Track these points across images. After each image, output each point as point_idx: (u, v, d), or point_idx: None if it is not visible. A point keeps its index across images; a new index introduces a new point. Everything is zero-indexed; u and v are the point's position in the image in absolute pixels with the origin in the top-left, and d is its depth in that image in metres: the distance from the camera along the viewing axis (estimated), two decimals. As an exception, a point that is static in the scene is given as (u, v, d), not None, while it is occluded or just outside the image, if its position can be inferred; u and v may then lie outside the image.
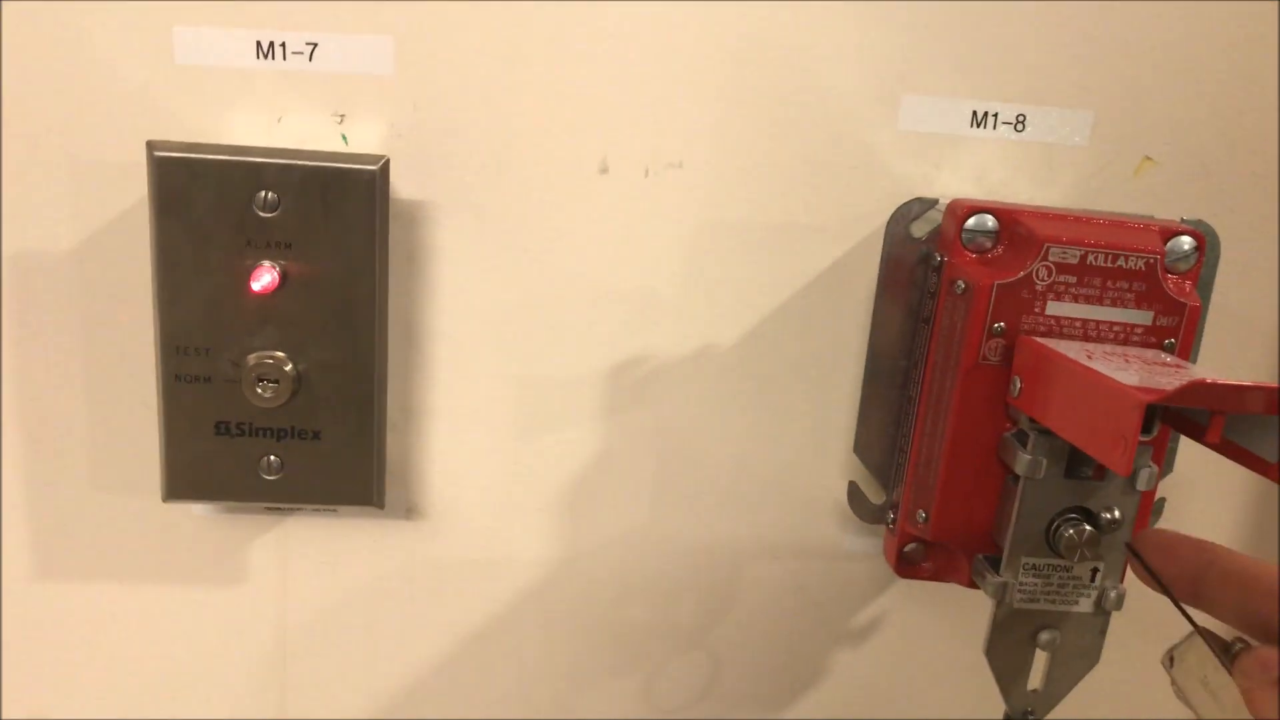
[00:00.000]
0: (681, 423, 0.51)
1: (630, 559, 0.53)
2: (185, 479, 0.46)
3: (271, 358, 0.44)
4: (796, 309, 0.50)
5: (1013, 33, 0.47)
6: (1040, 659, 0.42)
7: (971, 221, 0.42)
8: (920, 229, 0.45)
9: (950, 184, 0.49)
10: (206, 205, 0.43)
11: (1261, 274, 0.51)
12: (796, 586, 0.54)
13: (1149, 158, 0.49)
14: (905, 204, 0.45)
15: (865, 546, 0.53)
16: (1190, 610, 0.36)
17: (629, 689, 0.55)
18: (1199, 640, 0.36)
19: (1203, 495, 0.52)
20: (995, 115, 0.48)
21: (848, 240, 0.49)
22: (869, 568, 0.54)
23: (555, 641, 0.54)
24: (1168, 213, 0.49)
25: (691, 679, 0.56)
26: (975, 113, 0.48)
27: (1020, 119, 0.48)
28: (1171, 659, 0.38)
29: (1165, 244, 0.42)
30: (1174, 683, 0.37)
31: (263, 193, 0.43)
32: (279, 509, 0.51)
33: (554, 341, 0.50)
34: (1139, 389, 0.33)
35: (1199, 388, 0.31)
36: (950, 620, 0.55)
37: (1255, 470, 0.35)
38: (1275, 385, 0.32)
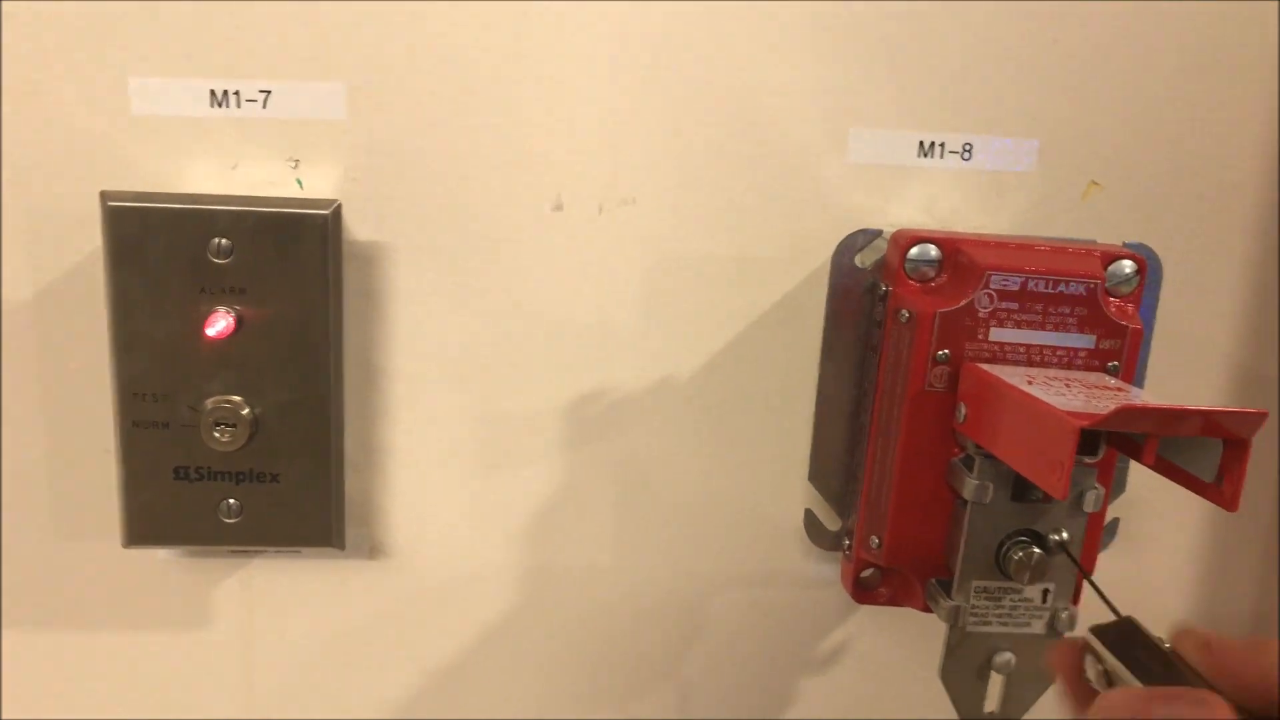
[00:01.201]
0: (642, 455, 0.52)
1: (596, 591, 0.53)
2: (145, 524, 0.46)
3: (228, 402, 0.45)
4: (753, 340, 0.50)
5: (957, 64, 0.48)
6: (996, 681, 0.43)
7: (914, 251, 0.43)
8: (867, 259, 0.46)
9: (901, 214, 0.49)
10: (160, 253, 0.43)
11: (1208, 295, 0.51)
12: (762, 614, 0.54)
13: (1095, 182, 0.50)
14: (850, 235, 0.46)
15: (829, 573, 0.53)
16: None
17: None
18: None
19: (1157, 514, 0.53)
20: (942, 145, 0.49)
21: (800, 271, 0.50)
22: (833, 594, 0.54)
23: (524, 676, 0.54)
24: (1117, 236, 0.50)
25: (661, 709, 0.56)
26: (922, 143, 0.49)
27: (967, 148, 0.49)
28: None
29: (1106, 268, 0.43)
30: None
31: (216, 239, 0.43)
32: (243, 552, 0.51)
33: (513, 377, 0.50)
34: (1073, 414, 0.33)
35: (1130, 412, 0.32)
36: (915, 645, 0.55)
37: (1194, 491, 0.36)
38: (1205, 408, 0.33)
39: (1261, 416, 0.33)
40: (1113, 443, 0.37)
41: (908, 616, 0.50)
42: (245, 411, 0.45)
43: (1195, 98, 0.49)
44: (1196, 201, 0.51)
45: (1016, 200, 0.50)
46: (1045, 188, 0.50)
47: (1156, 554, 0.54)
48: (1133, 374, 0.42)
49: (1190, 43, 0.48)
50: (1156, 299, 0.47)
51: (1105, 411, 0.32)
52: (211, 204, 0.43)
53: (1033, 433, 0.35)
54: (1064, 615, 0.42)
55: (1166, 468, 0.36)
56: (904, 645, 0.55)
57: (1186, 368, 0.52)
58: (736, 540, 0.53)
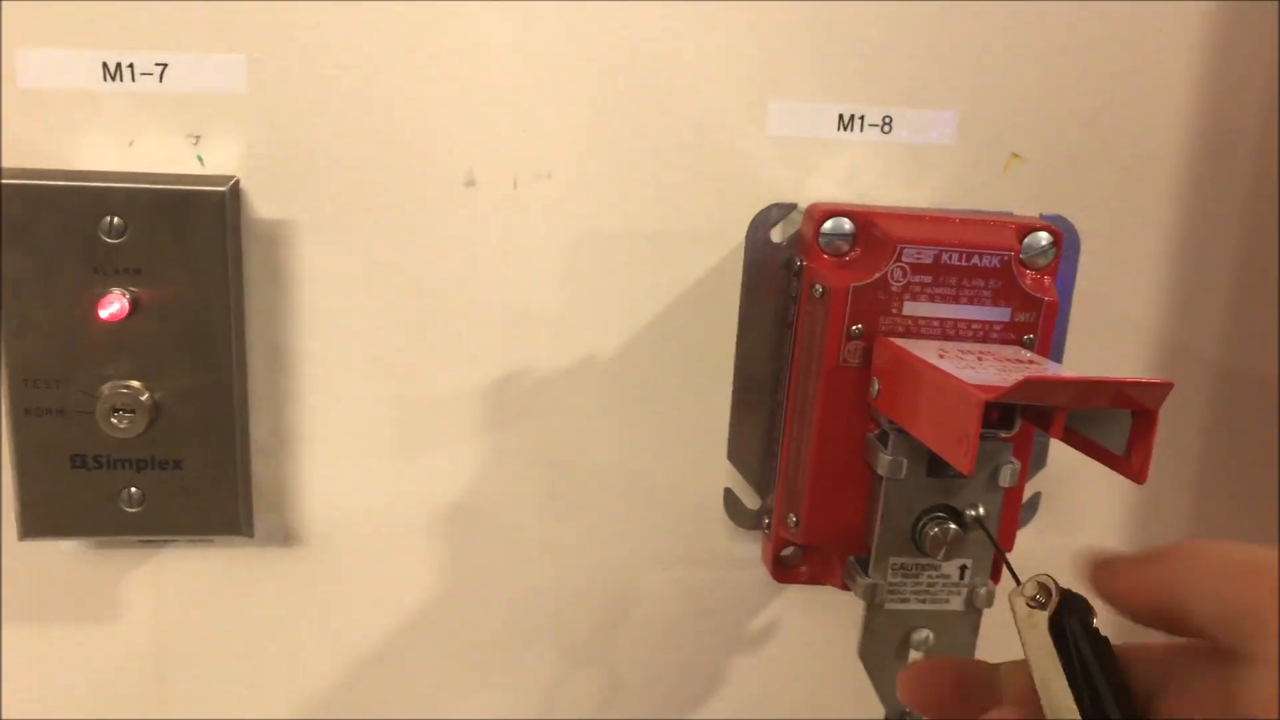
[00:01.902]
0: (564, 436, 0.51)
1: (519, 575, 0.52)
2: (42, 515, 0.44)
3: (126, 387, 0.43)
4: (674, 317, 0.50)
5: (876, 35, 0.47)
6: (915, 659, 0.42)
7: (828, 225, 0.42)
8: (783, 234, 0.45)
9: (822, 188, 0.49)
10: (51, 233, 0.42)
11: (1130, 267, 0.51)
12: (689, 595, 0.54)
13: (1017, 155, 0.50)
14: (764, 210, 0.45)
15: (755, 553, 0.53)
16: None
17: (527, 707, 0.54)
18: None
19: (1079, 490, 0.53)
20: (862, 118, 0.48)
21: (722, 247, 0.49)
22: (760, 574, 0.54)
23: (447, 664, 0.53)
24: (1039, 209, 0.49)
25: (589, 694, 0.55)
26: (842, 116, 0.48)
27: (887, 120, 0.48)
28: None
29: (1022, 240, 0.42)
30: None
31: (108, 218, 0.42)
32: (152, 542, 0.49)
33: (429, 359, 0.49)
34: (978, 386, 0.33)
35: (1034, 384, 0.31)
36: (844, 624, 0.55)
37: (1104, 463, 0.35)
38: (1111, 379, 0.32)
39: (1167, 387, 0.32)
40: (1027, 416, 0.37)
41: (834, 595, 0.49)
42: (144, 397, 0.43)
43: (1114, 68, 0.49)
44: (1117, 173, 0.50)
45: (937, 173, 0.49)
46: (966, 161, 0.49)
47: (1078, 530, 0.53)
48: (1049, 347, 0.42)
49: (1109, 13, 0.48)
50: (1075, 271, 0.47)
51: (1010, 383, 0.32)
52: (103, 181, 0.41)
53: (941, 407, 0.35)
54: (982, 591, 0.41)
55: (1077, 440, 0.36)
56: (833, 624, 0.55)
57: (1106, 341, 0.51)
58: (662, 521, 0.52)
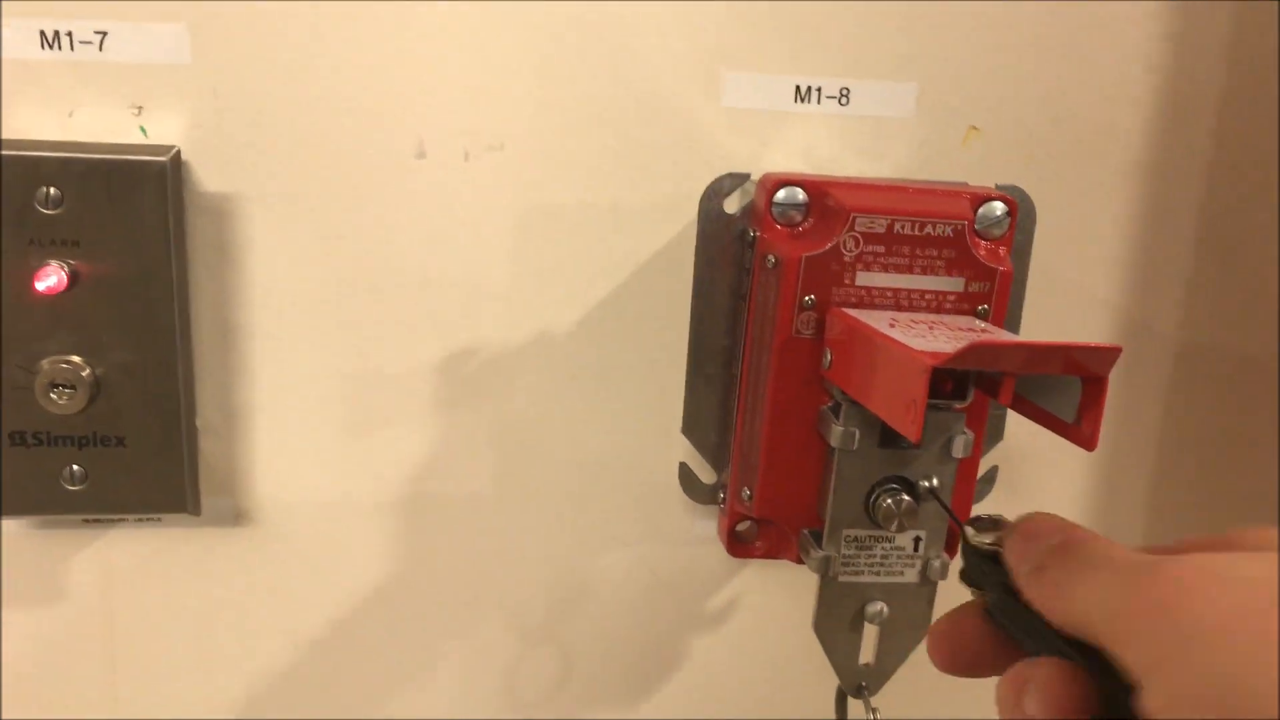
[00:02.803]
0: (518, 413, 0.50)
1: (474, 555, 0.52)
2: (-19, 494, 0.43)
3: (66, 362, 0.42)
4: (628, 291, 0.49)
5: (834, 6, 0.47)
6: (870, 632, 0.42)
7: (781, 195, 0.42)
8: (735, 205, 0.45)
9: (779, 160, 0.48)
10: (-16, 203, 0.40)
11: (1086, 238, 0.51)
12: (646, 573, 0.53)
13: (975, 127, 0.49)
14: (717, 180, 0.45)
15: (712, 530, 0.52)
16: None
17: (482, 688, 0.54)
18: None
19: (1037, 463, 0.53)
20: (819, 90, 0.48)
21: (676, 221, 0.48)
22: (718, 550, 0.53)
23: (401, 645, 0.53)
24: (997, 181, 0.49)
25: (545, 674, 0.54)
26: (799, 88, 0.48)
27: (844, 93, 0.48)
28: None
29: (976, 210, 0.42)
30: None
31: (44, 188, 0.40)
32: (99, 521, 0.48)
33: (379, 334, 0.48)
34: (925, 353, 0.32)
35: (981, 349, 0.31)
36: (802, 599, 0.55)
37: (1055, 431, 0.35)
38: (1059, 343, 0.32)
39: (1115, 351, 0.32)
40: (979, 386, 0.37)
41: (793, 571, 0.49)
42: (85, 373, 0.42)
43: (1073, 40, 0.48)
44: (1075, 145, 0.50)
45: (896, 146, 0.49)
46: (924, 133, 0.49)
47: (1036, 503, 0.53)
48: (1003, 317, 0.41)
49: (1066, -16, 0.48)
50: (1030, 242, 0.46)
51: (956, 349, 0.31)
52: (37, 150, 0.40)
53: (890, 376, 0.34)
54: (936, 564, 0.41)
55: (1027, 408, 0.35)
56: (790, 599, 0.54)
57: (1064, 314, 0.51)
58: (618, 498, 0.52)
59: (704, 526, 0.52)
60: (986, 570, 0.32)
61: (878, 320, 0.38)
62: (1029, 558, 0.31)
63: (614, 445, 0.51)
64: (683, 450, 0.51)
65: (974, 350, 0.31)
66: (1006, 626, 0.31)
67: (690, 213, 0.48)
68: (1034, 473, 0.53)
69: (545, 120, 0.47)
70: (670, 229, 0.48)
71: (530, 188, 0.47)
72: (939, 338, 0.36)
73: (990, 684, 0.31)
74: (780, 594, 0.54)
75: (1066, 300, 0.51)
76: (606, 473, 0.51)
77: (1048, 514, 0.33)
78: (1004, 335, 0.38)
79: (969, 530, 0.32)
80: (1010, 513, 0.51)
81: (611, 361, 0.50)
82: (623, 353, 0.50)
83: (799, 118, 0.48)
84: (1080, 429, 0.34)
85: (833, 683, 0.56)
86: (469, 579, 0.52)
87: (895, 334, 0.35)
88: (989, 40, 0.48)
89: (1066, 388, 0.34)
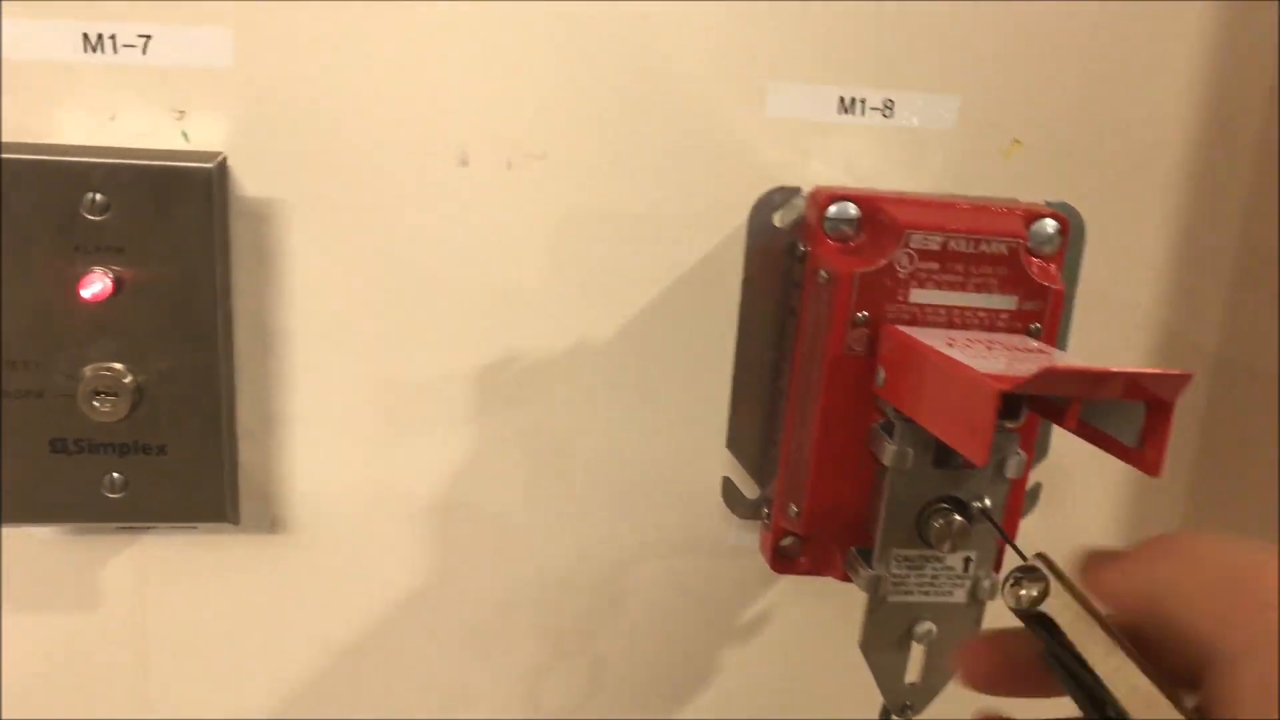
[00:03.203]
0: (555, 422, 0.50)
1: (508, 564, 0.51)
2: (20, 501, 0.43)
3: (109, 369, 0.42)
4: (669, 302, 0.49)
5: (879, 17, 0.46)
6: (917, 652, 0.42)
7: (833, 210, 0.41)
8: (785, 218, 0.44)
9: (821, 172, 0.48)
10: (30, 209, 0.40)
11: (1131, 256, 0.51)
12: (681, 585, 0.53)
13: (1018, 140, 0.49)
14: (767, 193, 0.44)
15: (750, 542, 0.52)
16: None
17: (511, 697, 0.54)
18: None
19: (1080, 479, 0.52)
20: (863, 101, 0.47)
21: (718, 231, 0.48)
22: (754, 563, 0.53)
23: (433, 652, 0.52)
24: (1038, 196, 0.49)
25: (576, 684, 0.54)
26: (843, 99, 0.47)
27: (888, 104, 0.48)
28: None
29: (1029, 227, 0.42)
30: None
31: (90, 195, 0.40)
32: (133, 528, 0.48)
33: (418, 342, 0.48)
34: (993, 377, 0.32)
35: (1052, 374, 0.30)
36: (838, 615, 0.54)
37: (1117, 455, 0.35)
38: (1130, 370, 0.32)
39: (1185, 379, 0.32)
40: (1034, 406, 0.36)
41: (829, 586, 0.49)
42: (128, 380, 0.42)
43: (1118, 55, 0.48)
44: (1118, 160, 0.50)
45: (938, 159, 0.49)
46: (967, 146, 0.49)
47: (1078, 519, 0.53)
48: (1055, 336, 0.41)
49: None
50: (1080, 259, 0.46)
51: (1027, 374, 0.31)
52: (85, 156, 0.40)
53: (953, 397, 0.34)
54: (985, 584, 0.41)
55: (1089, 432, 0.35)
56: (824, 614, 0.54)
57: (1109, 330, 0.51)
58: (653, 510, 0.51)
59: (738, 539, 0.52)
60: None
61: (935, 339, 0.37)
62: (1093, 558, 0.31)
63: (649, 457, 0.50)
64: (719, 462, 0.50)
65: (1047, 375, 0.30)
66: (1060, 676, 0.30)
67: (730, 224, 0.48)
68: (1071, 487, 0.52)
69: (588, 129, 0.46)
70: (710, 240, 0.48)
71: (572, 197, 0.47)
72: (999, 359, 0.35)
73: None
74: (813, 609, 0.54)
75: (1107, 314, 0.51)
76: (641, 484, 0.51)
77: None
78: (1062, 357, 0.37)
79: (1007, 595, 0.32)
80: (1050, 528, 0.51)
81: (649, 373, 0.49)
82: (661, 364, 0.49)
83: (842, 129, 0.48)
84: (1144, 454, 0.33)
85: (864, 699, 0.56)
86: (501, 587, 0.52)
87: (957, 355, 0.35)
88: (1032, 52, 0.48)
89: (1129, 411, 0.34)
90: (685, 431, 0.50)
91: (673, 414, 0.50)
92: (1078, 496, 0.53)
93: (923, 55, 0.47)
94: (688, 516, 0.52)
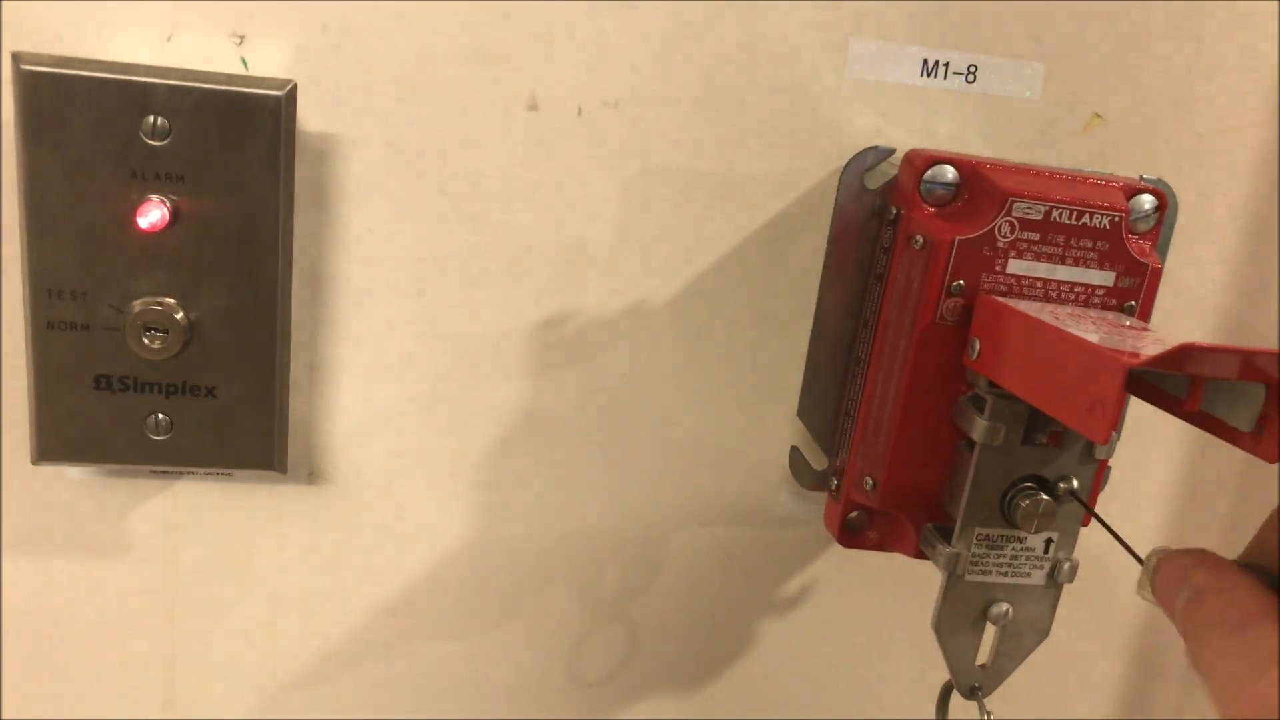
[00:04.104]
0: (611, 382, 0.48)
1: (551, 527, 0.50)
2: (59, 439, 0.41)
3: (160, 304, 0.40)
4: (735, 264, 0.47)
5: (966, -22, 0.45)
6: (989, 633, 0.41)
7: (930, 173, 0.40)
8: (874, 180, 0.43)
9: (897, 135, 0.46)
10: (85, 130, 0.38)
11: (1201, 237, 0.50)
12: (724, 554, 0.52)
13: (1098, 115, 0.48)
14: (860, 153, 0.43)
15: (798, 513, 0.51)
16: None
17: (548, 660, 0.52)
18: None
19: (1121, 456, 0.51)
20: (946, 65, 0.46)
21: (790, 192, 0.46)
22: (800, 534, 0.52)
23: (470, 613, 0.51)
24: (1114, 171, 0.47)
25: (613, 649, 0.53)
26: (926, 61, 0.46)
27: (972, 69, 0.46)
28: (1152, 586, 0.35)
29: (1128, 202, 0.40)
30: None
31: (151, 117, 0.38)
32: (166, 472, 0.46)
33: (473, 293, 0.46)
34: (1122, 352, 0.30)
35: (1190, 351, 0.29)
36: (883, 591, 0.53)
37: (1227, 439, 0.34)
38: (1274, 350, 0.30)
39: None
40: (1129, 387, 0.35)
41: (873, 558, 0.48)
42: (179, 316, 0.40)
43: (1205, 33, 0.47)
44: (1196, 139, 0.48)
45: (1016, 128, 0.47)
46: (1047, 116, 0.47)
47: (1123, 500, 0.52)
48: (1149, 316, 0.40)
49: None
50: (1169, 238, 0.45)
51: (1154, 351, 0.30)
52: (148, 76, 0.38)
53: (1067, 372, 0.33)
54: (1065, 566, 0.40)
55: (1199, 417, 0.34)
56: (866, 589, 0.53)
57: (1173, 312, 0.50)
58: (704, 476, 0.50)
59: (787, 508, 0.51)
60: None
61: (1039, 312, 0.36)
62: (1171, 607, 0.32)
63: (704, 422, 0.49)
64: (773, 429, 0.49)
65: (1183, 352, 0.29)
66: None
67: (804, 185, 0.46)
68: (1119, 469, 0.51)
69: (663, 79, 0.44)
70: (781, 201, 0.47)
71: (641, 148, 0.45)
72: (1106, 334, 0.34)
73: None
74: (856, 583, 0.53)
75: (1179, 296, 0.50)
76: (693, 450, 0.50)
77: (1182, 553, 0.33)
78: (1170, 335, 0.36)
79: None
80: (1113, 510, 0.51)
81: (711, 337, 0.48)
82: (724, 328, 0.48)
83: (923, 93, 0.46)
84: (1261, 439, 0.32)
85: (904, 677, 0.55)
86: (541, 550, 0.50)
87: (1070, 328, 0.33)
88: (1119, 25, 0.46)
89: (1247, 396, 0.33)
90: (742, 398, 0.49)
91: (732, 380, 0.48)
92: (1124, 477, 0.52)
93: (1009, 20, 0.46)
94: (736, 485, 0.50)
